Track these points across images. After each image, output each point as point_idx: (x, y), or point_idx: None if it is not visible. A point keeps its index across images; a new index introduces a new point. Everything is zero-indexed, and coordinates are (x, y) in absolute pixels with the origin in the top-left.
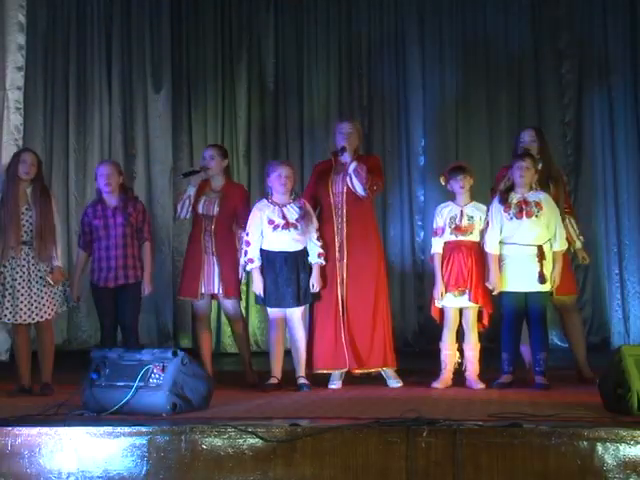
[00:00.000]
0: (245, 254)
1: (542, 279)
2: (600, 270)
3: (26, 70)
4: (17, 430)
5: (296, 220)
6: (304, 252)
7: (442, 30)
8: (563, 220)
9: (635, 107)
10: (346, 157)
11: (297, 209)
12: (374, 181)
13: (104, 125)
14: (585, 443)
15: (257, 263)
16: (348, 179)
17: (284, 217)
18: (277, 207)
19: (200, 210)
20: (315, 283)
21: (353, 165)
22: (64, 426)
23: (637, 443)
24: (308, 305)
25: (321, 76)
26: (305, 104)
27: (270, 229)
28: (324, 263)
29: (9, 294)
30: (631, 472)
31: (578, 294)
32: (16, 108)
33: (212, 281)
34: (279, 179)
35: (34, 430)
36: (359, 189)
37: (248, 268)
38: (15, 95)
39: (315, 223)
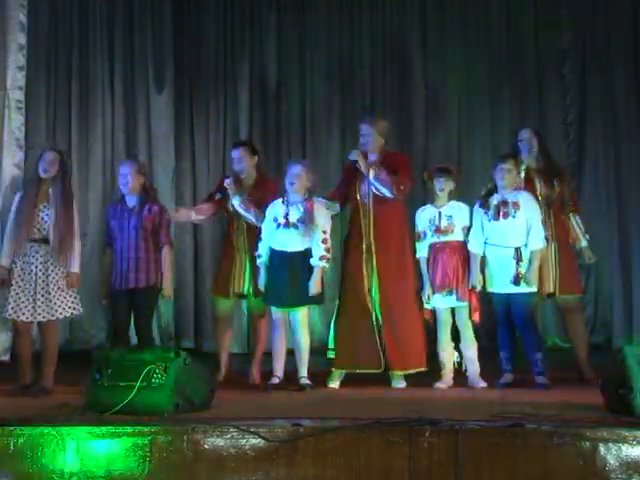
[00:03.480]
0: (257, 249)
1: (517, 281)
2: (602, 270)
3: (29, 70)
4: (20, 430)
5: (297, 220)
6: (304, 253)
7: (444, 30)
8: (568, 218)
9: (637, 107)
10: (362, 168)
11: (301, 210)
12: (400, 181)
13: (106, 125)
14: (587, 443)
15: (264, 259)
16: (373, 187)
17: (286, 216)
18: (286, 206)
19: (232, 209)
20: (314, 286)
21: (372, 173)
22: (66, 426)
23: (639, 443)
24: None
25: (323, 76)
26: (307, 104)
27: (274, 227)
28: (326, 266)
29: (14, 290)
30: (633, 472)
31: (582, 294)
32: (17, 108)
33: (242, 279)
34: (287, 178)
35: (36, 430)
36: (386, 193)
37: (257, 263)
38: (16, 95)
39: (323, 226)
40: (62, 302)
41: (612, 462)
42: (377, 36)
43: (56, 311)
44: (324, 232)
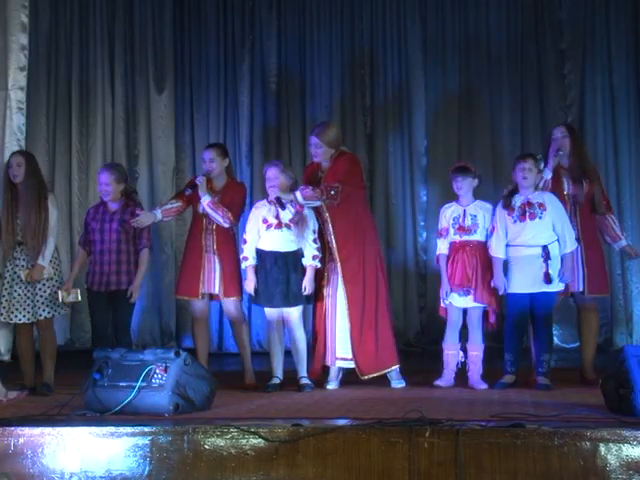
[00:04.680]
0: (241, 252)
1: (548, 279)
2: None
3: (29, 71)
4: (20, 430)
5: (290, 220)
6: (297, 253)
7: (444, 30)
8: (604, 218)
9: (637, 108)
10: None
11: (293, 210)
12: (329, 186)
13: (107, 126)
14: (588, 444)
15: (251, 262)
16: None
17: (277, 217)
18: (273, 207)
19: (201, 210)
20: (307, 285)
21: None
22: (67, 426)
23: (639, 444)
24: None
25: (323, 76)
26: (307, 104)
27: (264, 228)
28: (319, 265)
29: (6, 291)
30: (634, 473)
31: (608, 294)
32: (18, 108)
33: (212, 280)
34: (266, 181)
35: (37, 430)
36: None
37: (243, 266)
38: (18, 95)
39: (313, 225)
40: (45, 301)
41: (613, 462)
42: (377, 36)
43: (39, 309)
44: (314, 232)
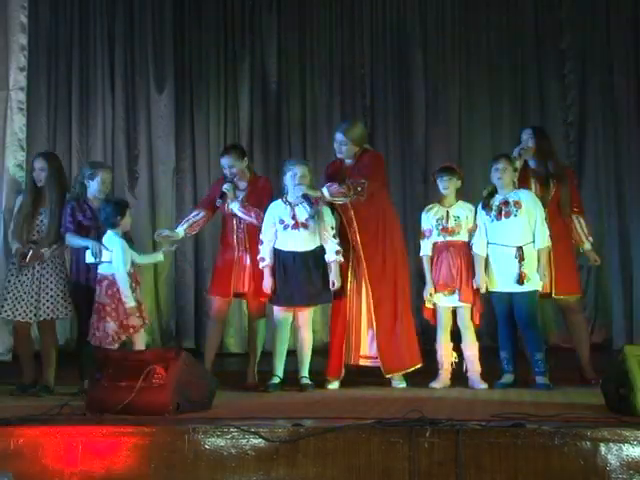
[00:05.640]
0: (258, 252)
1: (521, 280)
2: (603, 270)
3: (29, 71)
4: (20, 430)
5: (306, 220)
6: (316, 251)
7: (445, 30)
8: (571, 220)
9: (638, 107)
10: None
11: (308, 208)
12: (355, 183)
13: (107, 126)
14: (588, 443)
15: (268, 262)
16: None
17: (294, 217)
18: (289, 206)
19: (230, 211)
20: (335, 280)
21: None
22: (66, 426)
23: None
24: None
25: (323, 76)
26: (308, 104)
27: (281, 228)
28: (342, 260)
29: (12, 291)
30: (634, 472)
31: (582, 294)
32: (19, 108)
33: (242, 279)
34: (293, 179)
35: (37, 430)
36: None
37: (260, 266)
38: (18, 96)
39: (331, 221)
40: (48, 302)
41: (613, 462)
42: (377, 36)
43: (41, 309)
44: (332, 228)
